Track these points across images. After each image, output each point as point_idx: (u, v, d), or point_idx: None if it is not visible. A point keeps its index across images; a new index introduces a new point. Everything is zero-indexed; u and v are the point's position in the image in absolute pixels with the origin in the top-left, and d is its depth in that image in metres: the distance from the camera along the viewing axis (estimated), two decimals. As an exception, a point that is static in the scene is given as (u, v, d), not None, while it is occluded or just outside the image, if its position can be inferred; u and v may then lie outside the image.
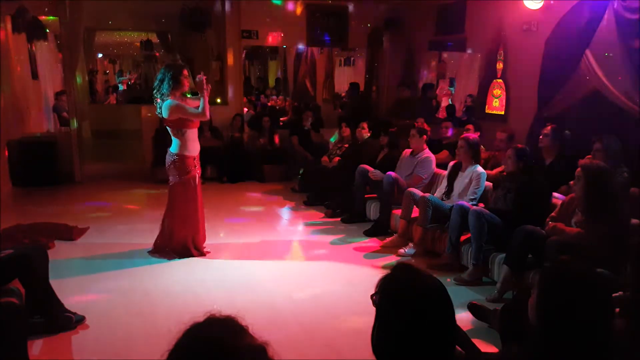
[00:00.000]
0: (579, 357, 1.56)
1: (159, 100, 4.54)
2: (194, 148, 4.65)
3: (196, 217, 4.74)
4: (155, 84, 4.58)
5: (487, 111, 6.93)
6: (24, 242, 4.84)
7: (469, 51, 7.95)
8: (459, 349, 1.87)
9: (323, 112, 10.15)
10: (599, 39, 5.21)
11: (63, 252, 4.84)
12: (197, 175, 4.67)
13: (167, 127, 4.60)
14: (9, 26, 7.48)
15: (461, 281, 4.30)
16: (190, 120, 4.55)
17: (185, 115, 4.50)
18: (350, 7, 9.17)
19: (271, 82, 14.82)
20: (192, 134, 4.62)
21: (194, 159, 4.66)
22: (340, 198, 6.35)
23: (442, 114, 8.99)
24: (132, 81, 16.68)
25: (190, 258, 4.70)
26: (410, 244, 5.03)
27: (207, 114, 4.54)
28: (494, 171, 5.43)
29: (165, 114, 4.48)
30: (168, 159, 4.63)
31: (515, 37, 6.36)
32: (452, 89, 9.97)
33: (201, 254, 4.77)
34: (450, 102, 9.42)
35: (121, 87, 14.81)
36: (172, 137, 4.60)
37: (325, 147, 8.07)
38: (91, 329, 3.42)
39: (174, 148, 4.59)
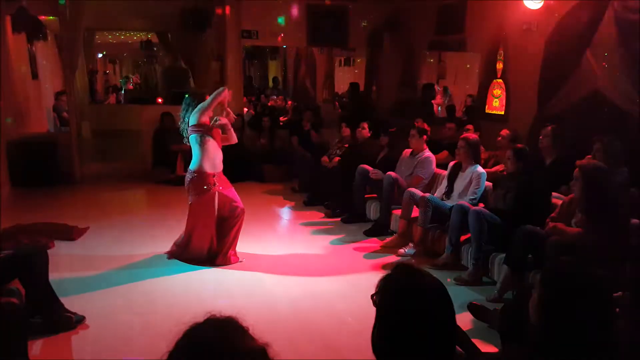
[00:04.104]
0: (579, 357, 1.56)
1: (184, 126, 4.61)
2: (214, 165, 4.52)
3: (213, 230, 4.63)
4: (182, 113, 4.61)
5: (487, 111, 6.92)
6: (24, 242, 4.83)
7: (469, 51, 7.95)
8: (459, 349, 1.87)
9: (323, 112, 10.16)
10: (599, 39, 5.20)
11: (63, 252, 4.84)
12: (216, 194, 4.54)
13: (192, 138, 4.52)
14: (9, 26, 7.48)
15: (461, 281, 4.30)
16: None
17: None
18: (350, 7, 9.16)
19: (271, 82, 14.82)
20: (214, 148, 4.53)
21: (214, 176, 4.52)
22: (340, 198, 6.35)
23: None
24: (136, 82, 16.64)
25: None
26: (410, 244, 5.03)
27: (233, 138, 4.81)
28: (493, 169, 5.44)
29: (194, 120, 4.47)
30: (187, 177, 4.56)
31: (515, 37, 6.36)
32: (447, 95, 9.99)
33: (214, 263, 4.63)
34: (440, 109, 9.46)
35: (123, 91, 14.80)
36: (193, 152, 4.52)
37: (325, 147, 8.07)
38: (91, 329, 3.42)
39: (192, 165, 4.52)
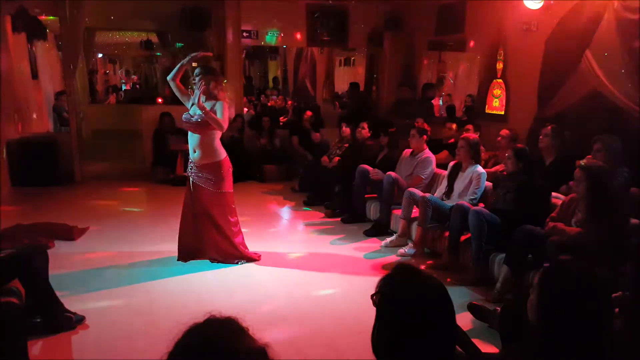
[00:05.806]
0: (579, 357, 1.56)
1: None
2: (190, 151, 4.53)
3: (187, 220, 4.65)
4: None
5: (487, 111, 6.93)
6: (24, 242, 4.84)
7: (469, 51, 7.95)
8: (459, 349, 1.87)
9: (323, 112, 10.15)
10: (599, 39, 5.20)
11: (63, 252, 4.84)
12: (189, 180, 4.56)
13: None
14: (9, 26, 7.47)
15: (461, 281, 4.30)
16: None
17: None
18: (350, 7, 9.16)
19: (271, 82, 14.83)
20: (188, 135, 4.50)
21: (190, 161, 4.52)
22: (340, 198, 6.35)
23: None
24: (136, 82, 16.65)
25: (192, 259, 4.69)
26: (410, 244, 5.03)
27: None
28: (493, 169, 5.44)
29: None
30: None
31: (515, 37, 6.36)
32: (442, 93, 9.99)
33: (188, 257, 4.65)
34: (441, 103, 9.46)
35: (124, 87, 14.79)
36: None
37: (325, 147, 8.07)
38: (91, 329, 3.42)
39: None
